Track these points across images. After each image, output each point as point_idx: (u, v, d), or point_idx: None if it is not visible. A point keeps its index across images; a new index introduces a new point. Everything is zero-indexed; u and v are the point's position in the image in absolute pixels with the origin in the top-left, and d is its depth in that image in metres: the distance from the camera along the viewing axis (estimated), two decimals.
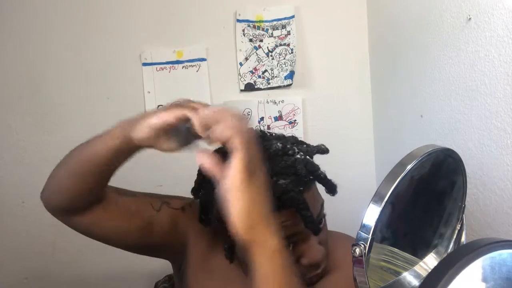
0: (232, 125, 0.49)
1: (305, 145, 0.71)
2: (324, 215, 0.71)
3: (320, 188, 0.71)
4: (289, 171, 0.65)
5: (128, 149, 0.60)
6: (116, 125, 0.61)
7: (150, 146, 0.58)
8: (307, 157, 0.69)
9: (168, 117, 0.54)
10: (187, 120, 0.53)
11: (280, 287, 0.51)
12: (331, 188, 0.69)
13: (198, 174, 0.72)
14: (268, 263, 0.51)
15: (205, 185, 0.70)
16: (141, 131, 0.56)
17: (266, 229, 0.51)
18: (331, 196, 0.73)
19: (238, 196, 0.49)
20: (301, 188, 0.65)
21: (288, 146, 0.68)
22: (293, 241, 0.66)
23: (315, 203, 0.68)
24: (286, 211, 0.64)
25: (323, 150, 0.70)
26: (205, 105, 0.55)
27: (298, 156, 0.67)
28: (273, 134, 0.73)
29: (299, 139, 0.73)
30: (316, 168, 0.68)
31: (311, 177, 0.67)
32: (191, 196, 0.75)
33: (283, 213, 0.63)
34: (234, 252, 0.70)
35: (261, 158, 0.54)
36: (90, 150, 0.62)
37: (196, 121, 0.52)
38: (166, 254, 0.81)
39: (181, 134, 0.56)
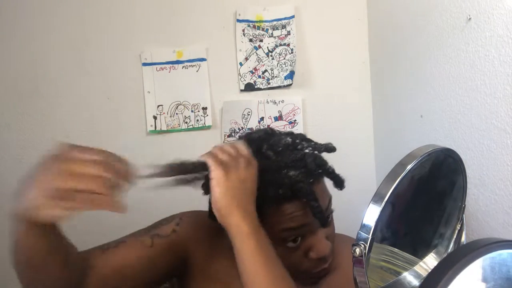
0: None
1: (313, 143, 0.73)
2: (332, 211, 0.72)
3: (328, 183, 0.72)
4: (299, 164, 0.67)
5: (43, 231, 0.52)
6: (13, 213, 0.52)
7: (64, 216, 0.49)
8: (316, 152, 0.71)
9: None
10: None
11: (254, 264, 0.59)
12: (339, 183, 0.71)
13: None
14: (241, 244, 0.59)
15: None
16: (43, 212, 0.47)
17: (241, 217, 0.60)
18: (333, 195, 0.73)
19: (215, 185, 0.60)
20: (311, 180, 0.67)
21: (297, 141, 0.71)
22: (301, 233, 0.67)
23: (323, 196, 0.69)
24: (296, 202, 0.66)
25: (330, 148, 0.72)
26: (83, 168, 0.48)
27: (307, 150, 0.70)
28: (283, 132, 0.75)
29: (307, 137, 0.75)
30: (324, 162, 0.70)
31: (320, 171, 0.69)
32: (191, 197, 0.75)
33: (292, 204, 0.66)
34: None
35: (250, 158, 0.64)
36: (16, 252, 0.56)
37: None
38: (172, 276, 0.80)
39: None
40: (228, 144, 0.67)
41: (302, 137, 0.73)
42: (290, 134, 0.73)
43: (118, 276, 0.67)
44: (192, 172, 0.65)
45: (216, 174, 0.61)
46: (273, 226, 0.65)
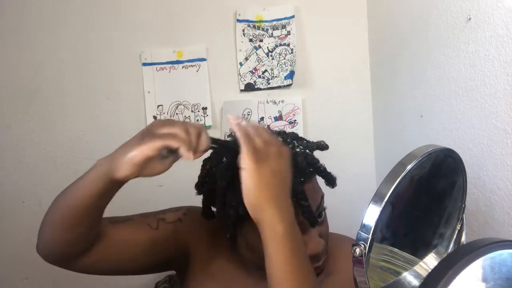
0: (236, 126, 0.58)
1: (305, 141, 0.73)
2: (324, 208, 0.72)
3: (320, 182, 0.72)
4: None
5: (112, 187, 0.59)
6: (95, 165, 0.59)
7: (136, 177, 0.57)
8: (307, 151, 0.70)
9: (148, 151, 0.53)
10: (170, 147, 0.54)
11: (286, 270, 0.55)
12: (331, 181, 0.71)
13: (202, 169, 0.73)
14: (274, 245, 0.55)
15: (208, 178, 0.71)
16: (123, 170, 0.54)
17: (275, 213, 0.55)
18: (331, 196, 0.73)
19: (246, 177, 0.55)
20: (302, 179, 0.66)
21: (288, 140, 0.70)
22: None
23: (315, 195, 0.69)
24: None
25: (322, 146, 0.72)
26: (181, 125, 0.56)
27: (298, 150, 0.69)
28: (274, 131, 0.75)
29: (299, 135, 0.74)
30: (315, 160, 0.70)
31: (311, 169, 0.69)
32: (191, 197, 0.76)
33: None
34: (236, 241, 0.70)
35: (281, 147, 0.61)
36: (74, 198, 0.60)
37: (184, 150, 0.54)
38: (172, 266, 0.81)
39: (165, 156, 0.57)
40: (261, 127, 0.62)
41: (293, 136, 0.73)
42: (282, 133, 0.73)
43: (119, 251, 0.69)
44: (224, 145, 0.64)
45: (247, 163, 0.56)
46: None
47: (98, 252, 0.67)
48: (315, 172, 0.70)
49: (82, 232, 0.63)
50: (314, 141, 0.73)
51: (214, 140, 0.61)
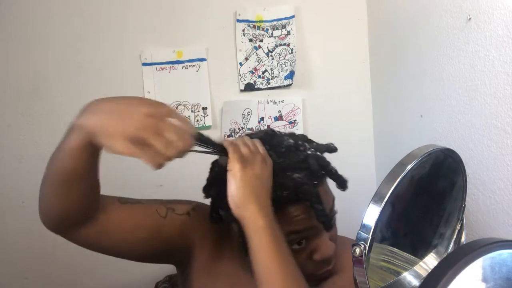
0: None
1: (314, 143, 0.72)
2: (336, 212, 0.72)
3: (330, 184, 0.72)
4: (302, 166, 0.67)
5: (98, 150, 0.59)
6: (74, 128, 0.59)
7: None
8: (318, 153, 0.70)
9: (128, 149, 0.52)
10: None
11: (269, 259, 0.59)
12: (342, 183, 0.70)
13: (210, 171, 0.73)
14: (257, 237, 0.60)
15: (217, 182, 0.70)
16: (116, 146, 0.52)
17: (257, 210, 0.60)
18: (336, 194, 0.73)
19: (232, 178, 0.62)
20: (315, 182, 0.66)
21: (300, 142, 0.70)
22: (305, 236, 0.67)
23: (327, 198, 0.69)
24: (300, 205, 0.65)
25: (332, 148, 0.72)
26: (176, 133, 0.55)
27: (309, 152, 0.69)
28: (283, 133, 0.74)
29: (308, 138, 0.74)
30: (327, 163, 0.70)
31: (322, 172, 0.69)
32: (192, 197, 0.75)
33: (297, 207, 0.65)
34: (247, 247, 0.70)
35: (266, 157, 0.65)
36: (58, 161, 0.61)
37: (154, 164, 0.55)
38: (172, 260, 0.80)
39: None
40: (248, 139, 0.67)
41: (304, 138, 0.73)
42: (292, 135, 0.73)
43: (123, 232, 0.68)
44: (211, 149, 0.65)
45: (234, 166, 0.62)
46: None
47: (100, 224, 0.66)
48: (327, 175, 0.70)
49: (77, 192, 0.62)
50: (323, 143, 0.73)
51: (203, 140, 0.62)
